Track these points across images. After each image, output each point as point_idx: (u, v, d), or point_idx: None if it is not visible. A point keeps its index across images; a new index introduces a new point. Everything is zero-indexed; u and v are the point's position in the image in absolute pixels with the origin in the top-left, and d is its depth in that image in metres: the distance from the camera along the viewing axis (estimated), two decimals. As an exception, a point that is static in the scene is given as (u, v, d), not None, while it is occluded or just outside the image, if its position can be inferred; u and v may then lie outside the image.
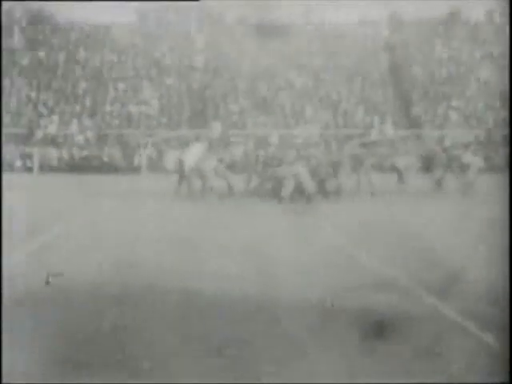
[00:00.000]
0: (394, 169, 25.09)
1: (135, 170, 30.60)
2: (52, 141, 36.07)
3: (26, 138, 36.41)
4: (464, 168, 24.37)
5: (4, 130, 36.79)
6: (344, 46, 42.39)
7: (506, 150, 28.06)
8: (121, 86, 38.92)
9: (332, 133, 36.20)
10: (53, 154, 35.21)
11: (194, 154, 25.82)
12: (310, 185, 23.03)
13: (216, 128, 36.35)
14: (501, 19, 40.59)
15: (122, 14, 38.16)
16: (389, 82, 39.71)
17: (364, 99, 39.18)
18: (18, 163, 34.82)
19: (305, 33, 42.53)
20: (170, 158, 26.44)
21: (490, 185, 17.65)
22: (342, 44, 42.54)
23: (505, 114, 34.69)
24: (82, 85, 39.13)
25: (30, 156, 35.12)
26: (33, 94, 38.81)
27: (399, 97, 37.99)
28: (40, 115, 37.88)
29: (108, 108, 37.99)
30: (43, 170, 33.94)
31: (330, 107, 38.67)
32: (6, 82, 39.56)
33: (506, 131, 31.91)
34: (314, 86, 39.82)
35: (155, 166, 31.95)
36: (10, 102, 38.57)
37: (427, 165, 25.05)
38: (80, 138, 36.34)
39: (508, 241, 8.65)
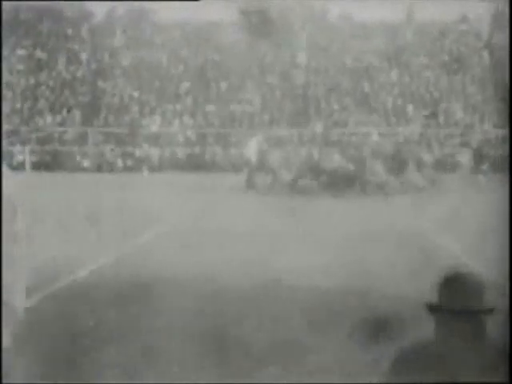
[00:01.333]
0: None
1: (237, 168, 30.42)
2: (154, 140, 36.31)
3: (128, 138, 36.71)
4: None
5: (106, 130, 37.23)
6: (445, 44, 41.71)
7: None
8: (223, 85, 38.92)
9: (433, 131, 35.61)
10: (155, 153, 35.41)
11: (253, 149, 26.08)
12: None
13: (317, 126, 36.16)
14: None
15: (224, 12, 38.28)
16: (489, 80, 38.86)
17: (465, 97, 38.39)
18: (120, 163, 35.09)
19: (406, 31, 42.00)
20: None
21: None
22: (443, 42, 41.85)
23: None
24: (185, 84, 39.28)
25: (131, 155, 35.38)
26: (135, 94, 39.15)
27: (499, 96, 37.05)
28: (142, 115, 38.16)
29: (209, 107, 38.03)
30: (142, 169, 34.16)
31: (430, 106, 37.99)
32: (107, 83, 40.06)
33: None
34: (416, 84, 39.20)
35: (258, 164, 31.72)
36: (113, 102, 39.01)
37: None
38: (181, 137, 36.46)
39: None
